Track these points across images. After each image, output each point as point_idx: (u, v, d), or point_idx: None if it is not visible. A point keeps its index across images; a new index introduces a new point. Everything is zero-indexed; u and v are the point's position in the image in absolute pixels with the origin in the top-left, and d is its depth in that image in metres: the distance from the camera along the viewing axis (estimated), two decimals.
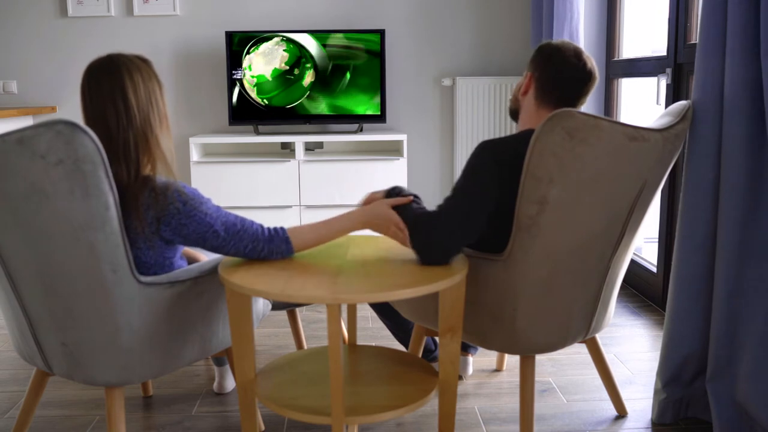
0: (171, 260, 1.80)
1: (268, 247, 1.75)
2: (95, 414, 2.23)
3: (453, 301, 1.74)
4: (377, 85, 3.92)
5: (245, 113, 3.93)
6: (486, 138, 4.06)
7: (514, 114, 1.99)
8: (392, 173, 3.84)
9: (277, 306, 2.30)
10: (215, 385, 2.37)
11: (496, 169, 1.75)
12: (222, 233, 1.72)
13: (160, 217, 1.69)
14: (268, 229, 1.77)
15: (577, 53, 1.86)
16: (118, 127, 1.70)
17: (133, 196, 1.68)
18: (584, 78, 1.85)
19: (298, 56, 3.89)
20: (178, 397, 2.34)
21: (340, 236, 1.80)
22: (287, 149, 4.11)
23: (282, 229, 1.77)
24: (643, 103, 3.61)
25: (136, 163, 1.70)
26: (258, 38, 3.86)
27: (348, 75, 3.91)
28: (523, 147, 1.78)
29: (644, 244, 3.72)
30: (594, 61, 1.89)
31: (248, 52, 3.88)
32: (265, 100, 3.92)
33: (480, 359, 2.60)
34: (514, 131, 1.95)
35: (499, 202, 1.76)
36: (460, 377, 2.45)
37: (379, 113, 3.94)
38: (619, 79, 3.63)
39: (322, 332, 2.93)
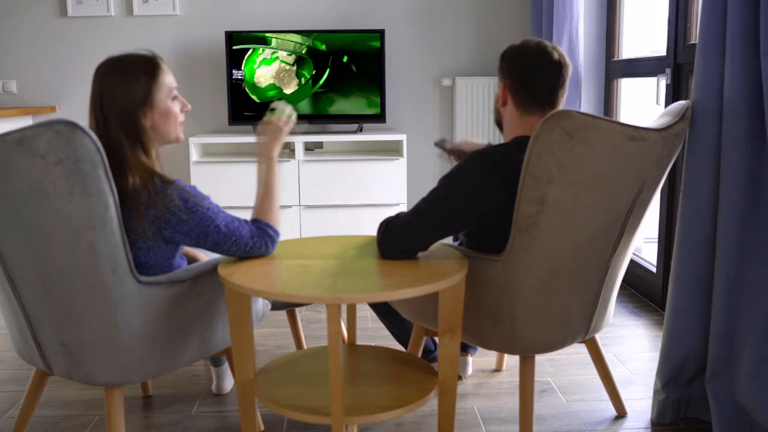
0: (170, 261, 1.80)
1: (263, 240, 1.80)
2: (95, 414, 2.23)
3: (452, 301, 1.74)
4: (377, 85, 3.92)
5: (245, 113, 3.93)
6: (486, 138, 4.08)
7: (501, 125, 1.98)
8: (392, 173, 3.84)
9: (276, 306, 2.30)
10: (213, 386, 2.37)
11: (486, 176, 1.75)
12: (223, 228, 1.74)
13: (162, 215, 1.69)
14: (250, 225, 1.81)
15: (540, 48, 1.84)
16: (106, 130, 1.72)
17: (134, 197, 1.68)
18: (555, 69, 1.83)
19: (298, 56, 3.89)
20: (177, 397, 2.34)
21: (278, 180, 1.88)
22: (287, 149, 4.11)
23: (254, 220, 1.82)
24: (642, 103, 3.61)
25: (127, 166, 1.70)
26: (258, 38, 3.86)
27: (347, 75, 3.91)
28: (515, 153, 1.78)
29: (644, 244, 3.72)
30: (562, 49, 1.86)
31: (248, 52, 3.87)
32: (264, 100, 3.92)
33: (479, 359, 2.60)
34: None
35: (498, 205, 1.77)
36: (460, 377, 2.45)
37: (378, 113, 3.94)
38: (619, 79, 3.63)
39: (322, 332, 2.93)
